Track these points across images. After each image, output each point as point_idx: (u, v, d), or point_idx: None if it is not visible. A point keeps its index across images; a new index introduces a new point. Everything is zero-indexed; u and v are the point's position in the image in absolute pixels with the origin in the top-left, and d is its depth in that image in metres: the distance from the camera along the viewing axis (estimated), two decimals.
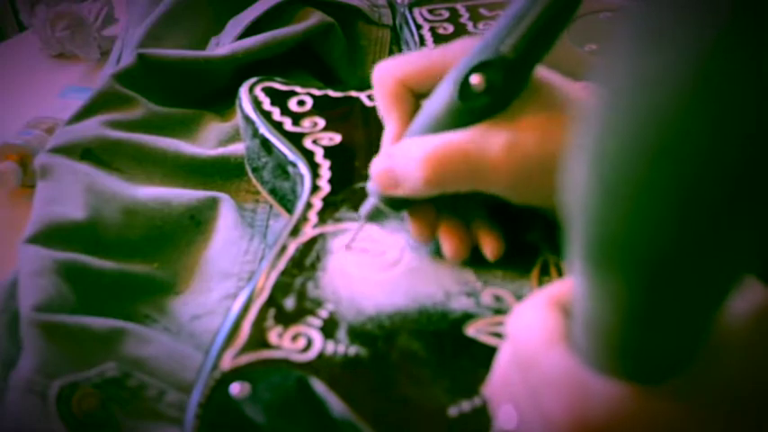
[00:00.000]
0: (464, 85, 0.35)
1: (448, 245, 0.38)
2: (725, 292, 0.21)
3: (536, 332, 0.26)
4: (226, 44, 0.65)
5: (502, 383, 0.29)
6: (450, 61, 0.36)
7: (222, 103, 0.62)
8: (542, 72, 0.36)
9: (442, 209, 0.38)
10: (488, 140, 0.35)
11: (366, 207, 0.39)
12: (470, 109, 0.35)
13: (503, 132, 0.35)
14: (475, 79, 0.34)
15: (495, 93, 0.35)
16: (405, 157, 0.36)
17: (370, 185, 0.38)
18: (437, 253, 0.39)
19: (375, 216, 0.39)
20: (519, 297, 0.37)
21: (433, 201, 0.38)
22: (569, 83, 0.37)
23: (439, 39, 0.58)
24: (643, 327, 0.22)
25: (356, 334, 0.34)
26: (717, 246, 0.19)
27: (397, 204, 0.38)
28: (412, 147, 0.36)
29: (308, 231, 0.39)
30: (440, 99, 0.36)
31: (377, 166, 0.38)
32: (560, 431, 0.24)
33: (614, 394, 0.23)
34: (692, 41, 0.16)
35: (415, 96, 0.39)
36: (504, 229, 0.39)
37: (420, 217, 0.38)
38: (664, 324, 0.21)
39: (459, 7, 0.61)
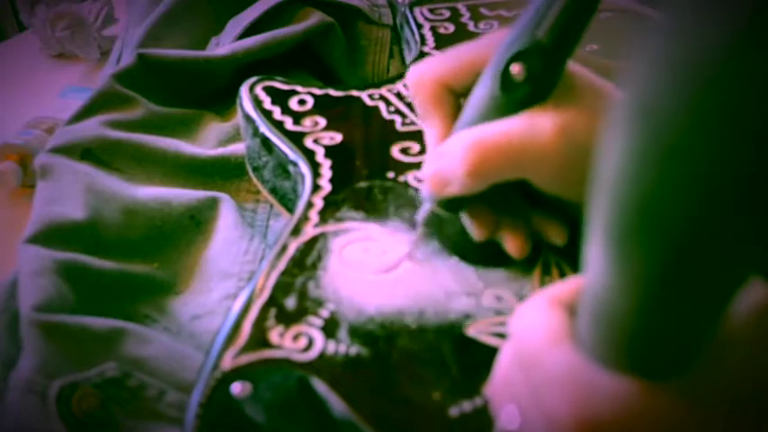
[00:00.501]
0: (505, 76, 0.35)
1: (512, 243, 0.37)
2: (739, 282, 0.21)
3: (539, 331, 0.26)
4: (226, 44, 0.65)
5: (504, 383, 0.29)
6: (486, 55, 0.36)
7: (222, 103, 0.62)
8: (575, 67, 0.36)
9: (499, 210, 0.38)
10: (536, 125, 0.34)
11: (422, 213, 0.38)
12: (513, 100, 0.35)
13: (551, 116, 0.34)
14: (515, 68, 0.34)
15: (536, 81, 0.34)
16: (449, 154, 0.36)
17: (423, 190, 0.38)
18: (462, 256, 0.38)
19: (431, 222, 0.38)
20: (520, 297, 0.36)
21: (489, 203, 0.38)
22: (599, 78, 0.37)
23: (440, 38, 0.58)
24: (654, 313, 0.22)
25: (357, 334, 0.34)
26: (738, 227, 0.19)
27: (452, 206, 0.38)
28: (454, 141, 0.36)
29: (309, 231, 0.39)
30: (481, 94, 0.36)
31: (427, 169, 0.37)
32: (564, 429, 0.24)
33: (619, 390, 0.23)
34: (711, 43, 0.16)
35: (455, 96, 0.38)
36: None
37: (479, 216, 0.38)
38: (675, 311, 0.21)
39: (460, 6, 0.61)
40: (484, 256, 0.38)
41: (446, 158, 0.36)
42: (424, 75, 0.38)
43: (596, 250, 0.22)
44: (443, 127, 0.38)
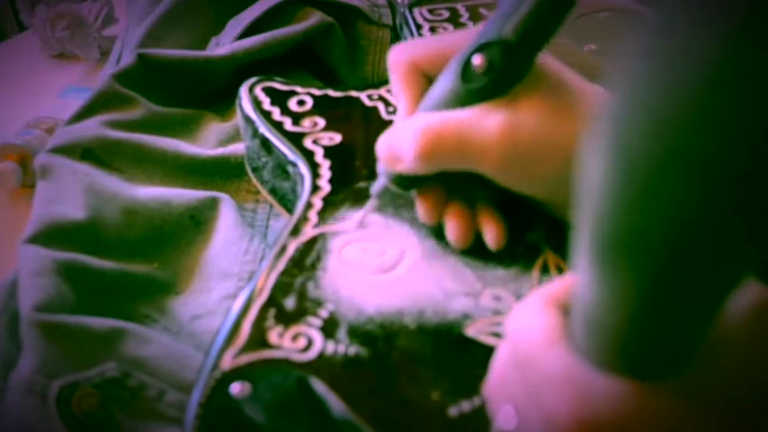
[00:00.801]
0: (466, 66, 0.36)
1: (452, 228, 0.38)
2: (730, 288, 0.21)
3: (535, 331, 0.26)
4: (226, 44, 0.65)
5: (500, 383, 0.29)
6: (462, 44, 0.37)
7: (222, 103, 0.62)
8: (550, 61, 0.37)
9: (453, 192, 0.39)
10: (484, 119, 0.35)
11: (377, 186, 0.40)
12: (472, 90, 0.36)
13: (500, 113, 0.35)
14: (476, 60, 0.35)
15: (496, 74, 0.35)
16: (403, 132, 0.37)
17: (379, 164, 0.39)
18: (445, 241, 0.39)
19: (386, 196, 0.40)
20: (519, 297, 0.37)
21: (443, 183, 0.38)
22: (577, 77, 0.37)
23: None
24: (647, 321, 0.22)
25: (356, 334, 0.34)
26: (727, 239, 0.19)
27: (405, 183, 0.39)
28: (410, 123, 0.37)
29: (309, 231, 0.39)
30: (444, 81, 0.37)
31: (382, 142, 0.39)
32: (561, 430, 0.24)
33: (615, 391, 0.23)
34: (706, 41, 0.16)
35: (427, 79, 0.39)
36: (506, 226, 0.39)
37: (428, 197, 0.39)
38: (667, 319, 0.21)
39: (459, 7, 0.61)
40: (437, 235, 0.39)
41: (400, 136, 0.37)
42: (401, 55, 0.40)
43: (583, 264, 0.22)
44: (410, 106, 0.39)
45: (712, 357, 0.23)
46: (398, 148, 0.37)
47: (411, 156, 0.36)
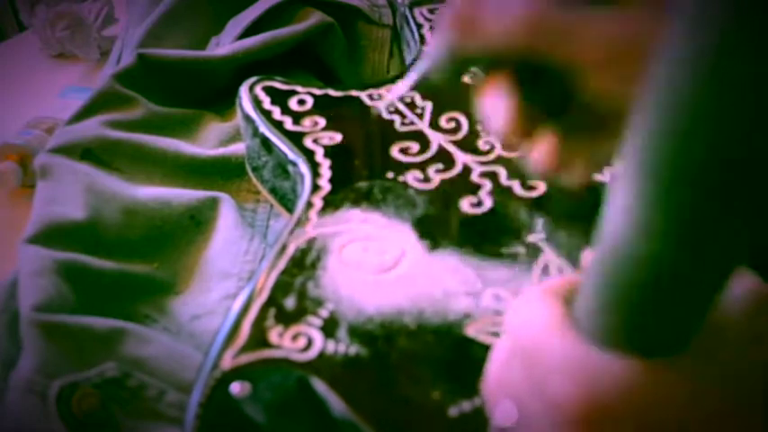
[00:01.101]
0: None
1: (542, 152, 0.31)
2: (738, 260, 0.21)
3: (537, 320, 0.26)
4: (226, 44, 0.65)
5: (499, 380, 0.29)
6: None
7: (222, 103, 0.62)
8: None
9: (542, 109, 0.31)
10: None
11: (420, 67, 0.32)
12: None
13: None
14: None
15: None
16: None
17: (436, 38, 0.31)
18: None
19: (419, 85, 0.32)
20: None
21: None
22: None
23: None
24: (672, 264, 0.22)
25: (357, 333, 0.34)
26: (743, 208, 0.19)
27: (461, 66, 0.31)
28: None
29: (309, 231, 0.39)
30: None
31: (453, 6, 0.30)
32: (570, 414, 0.24)
33: (622, 370, 0.23)
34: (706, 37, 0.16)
35: None
36: (503, 229, 0.39)
37: (495, 85, 0.31)
38: (684, 276, 0.21)
39: None
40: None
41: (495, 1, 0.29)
42: None
43: (623, 187, 0.22)
44: None
45: (716, 334, 0.24)
46: (490, 12, 0.29)
47: (515, 22, 0.29)
